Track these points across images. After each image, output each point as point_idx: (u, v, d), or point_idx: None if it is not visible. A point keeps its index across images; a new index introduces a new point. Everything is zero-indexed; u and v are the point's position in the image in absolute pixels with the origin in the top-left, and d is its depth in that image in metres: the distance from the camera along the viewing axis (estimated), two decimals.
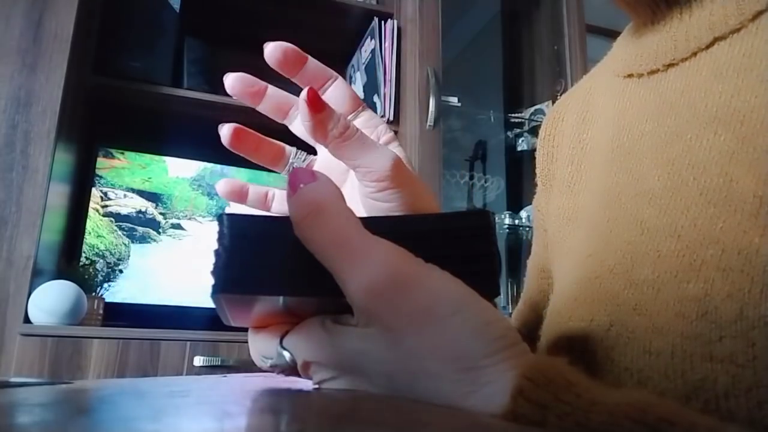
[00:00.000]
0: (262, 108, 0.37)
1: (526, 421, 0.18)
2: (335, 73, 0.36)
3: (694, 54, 0.31)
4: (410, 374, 0.21)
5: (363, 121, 0.35)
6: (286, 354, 0.25)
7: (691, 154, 0.29)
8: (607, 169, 0.35)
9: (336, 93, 0.36)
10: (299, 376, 0.26)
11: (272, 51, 0.33)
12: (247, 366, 1.27)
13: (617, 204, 0.32)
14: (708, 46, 0.30)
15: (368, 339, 0.22)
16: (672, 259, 0.27)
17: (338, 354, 0.23)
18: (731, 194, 0.26)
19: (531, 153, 1.95)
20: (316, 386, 0.25)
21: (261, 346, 0.27)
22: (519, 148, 2.00)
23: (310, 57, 0.35)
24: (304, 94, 0.28)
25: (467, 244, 0.24)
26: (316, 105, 0.28)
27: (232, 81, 0.36)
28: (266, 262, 0.22)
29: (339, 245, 0.21)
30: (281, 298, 0.23)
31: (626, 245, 0.30)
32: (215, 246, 0.22)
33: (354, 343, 0.22)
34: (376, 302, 0.21)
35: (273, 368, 0.27)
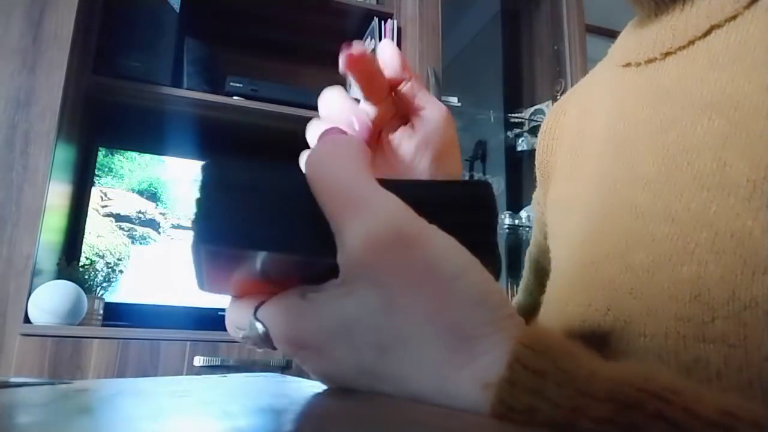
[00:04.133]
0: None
1: (523, 388, 0.17)
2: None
3: (692, 42, 0.31)
4: (402, 342, 0.20)
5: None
6: (259, 326, 0.24)
7: (685, 140, 0.29)
8: (603, 157, 0.35)
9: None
10: (273, 348, 0.24)
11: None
12: (247, 366, 1.27)
13: (612, 190, 0.33)
14: (705, 35, 0.31)
15: (358, 299, 0.20)
16: (666, 243, 0.28)
17: (320, 324, 0.21)
18: (725, 179, 0.26)
19: (531, 153, 1.95)
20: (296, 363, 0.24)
21: (235, 316, 0.26)
22: (519, 148, 2.00)
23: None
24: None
25: (468, 212, 0.23)
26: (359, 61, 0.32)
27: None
28: (250, 213, 0.20)
29: (347, 189, 0.20)
30: (259, 261, 0.22)
31: (621, 230, 0.31)
32: (197, 195, 0.21)
33: (341, 307, 0.21)
34: (374, 254, 0.20)
35: (245, 340, 0.25)
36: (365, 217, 0.20)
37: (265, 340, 0.24)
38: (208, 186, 0.21)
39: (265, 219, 0.21)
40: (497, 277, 0.23)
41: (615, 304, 0.29)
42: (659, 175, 0.30)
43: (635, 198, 0.30)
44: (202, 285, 0.25)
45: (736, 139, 0.26)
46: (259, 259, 0.22)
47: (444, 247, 0.20)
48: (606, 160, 0.35)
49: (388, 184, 0.22)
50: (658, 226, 0.28)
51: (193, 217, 0.20)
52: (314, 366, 0.23)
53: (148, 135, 1.63)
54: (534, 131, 1.96)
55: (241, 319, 0.25)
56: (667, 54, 0.33)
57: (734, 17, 0.29)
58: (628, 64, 0.36)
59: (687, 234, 0.27)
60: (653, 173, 0.30)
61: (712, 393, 0.16)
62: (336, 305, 0.21)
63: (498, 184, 1.98)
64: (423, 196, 0.22)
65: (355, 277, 0.20)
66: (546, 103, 1.94)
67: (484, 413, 0.18)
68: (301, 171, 0.22)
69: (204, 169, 0.21)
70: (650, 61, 0.34)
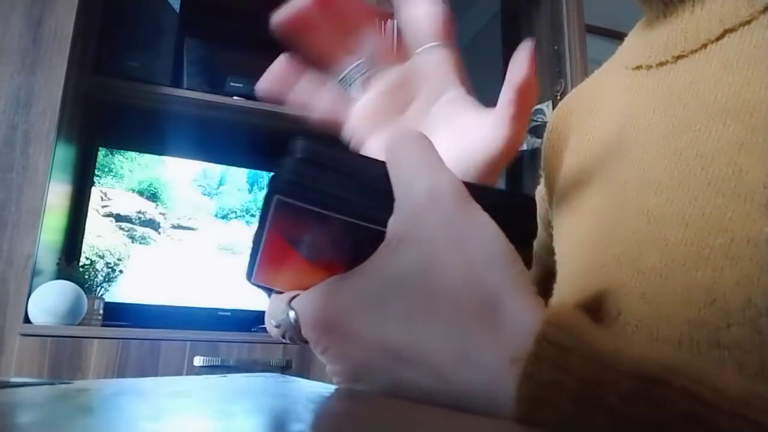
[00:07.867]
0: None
1: (550, 364, 0.18)
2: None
3: (704, 46, 0.31)
4: (432, 305, 0.21)
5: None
6: (291, 313, 0.25)
7: (699, 144, 0.29)
8: (612, 159, 0.35)
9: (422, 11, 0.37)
10: (303, 341, 0.25)
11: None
12: (247, 366, 1.27)
13: (622, 193, 0.32)
14: (718, 39, 0.30)
15: (402, 257, 0.22)
16: (680, 248, 0.27)
17: (356, 296, 0.23)
18: (740, 184, 0.26)
19: (531, 153, 1.95)
20: (320, 355, 0.25)
21: (273, 308, 0.28)
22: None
23: None
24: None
25: (514, 216, 0.25)
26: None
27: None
28: (326, 179, 0.23)
29: (421, 154, 0.23)
30: (320, 232, 0.24)
31: (632, 234, 0.30)
32: (284, 157, 0.23)
33: (383, 268, 0.22)
34: (434, 204, 0.22)
35: (278, 330, 0.27)
36: (431, 174, 0.22)
37: (295, 327, 0.25)
38: (298, 149, 0.23)
39: (339, 186, 0.23)
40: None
41: (626, 308, 0.29)
42: (672, 180, 0.29)
43: (647, 202, 0.30)
44: (251, 274, 0.27)
45: (752, 145, 0.26)
46: (323, 228, 0.24)
47: (490, 222, 0.22)
48: (615, 163, 0.34)
49: None
50: (671, 231, 0.28)
51: (276, 173, 0.23)
52: (336, 352, 0.24)
53: (148, 135, 1.63)
54: (534, 131, 1.96)
55: (277, 309, 0.27)
56: (679, 57, 0.32)
57: (749, 21, 0.29)
58: (639, 67, 0.35)
59: (701, 239, 0.26)
60: (665, 177, 0.30)
61: (736, 377, 0.17)
62: (378, 266, 0.23)
63: (498, 184, 1.98)
64: (474, 196, 0.24)
65: (402, 235, 0.22)
66: (546, 103, 1.94)
67: (505, 387, 0.18)
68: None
69: (294, 143, 0.24)
70: (662, 64, 0.33)
